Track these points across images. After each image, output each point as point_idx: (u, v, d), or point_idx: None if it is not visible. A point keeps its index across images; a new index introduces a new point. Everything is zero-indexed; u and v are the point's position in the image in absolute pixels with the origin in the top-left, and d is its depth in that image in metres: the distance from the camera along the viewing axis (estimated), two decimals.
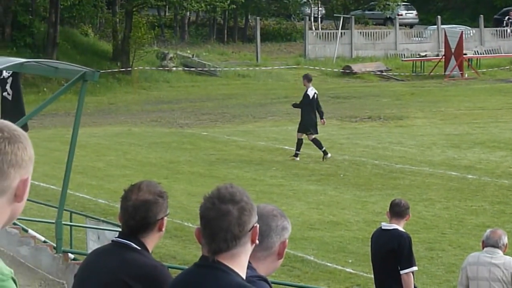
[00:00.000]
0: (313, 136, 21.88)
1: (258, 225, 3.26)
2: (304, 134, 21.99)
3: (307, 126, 21.80)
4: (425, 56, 44.28)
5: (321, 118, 21.98)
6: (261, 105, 33.43)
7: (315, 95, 21.94)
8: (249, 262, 3.30)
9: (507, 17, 50.23)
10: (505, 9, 53.57)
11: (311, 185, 19.54)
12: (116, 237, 4.49)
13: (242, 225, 3.19)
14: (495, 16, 53.15)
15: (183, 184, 19.54)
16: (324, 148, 21.90)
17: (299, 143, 22.05)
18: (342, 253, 14.61)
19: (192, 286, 3.27)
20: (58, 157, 21.15)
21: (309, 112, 21.77)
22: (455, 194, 18.46)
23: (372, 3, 53.36)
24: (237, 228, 3.18)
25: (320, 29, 50.03)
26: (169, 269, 5.10)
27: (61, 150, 21.17)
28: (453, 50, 41.19)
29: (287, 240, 3.66)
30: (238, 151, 23.88)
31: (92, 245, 12.29)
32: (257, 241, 3.26)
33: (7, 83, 13.51)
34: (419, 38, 48.17)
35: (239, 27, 52.81)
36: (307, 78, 22.38)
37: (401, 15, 54.39)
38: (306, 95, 21.93)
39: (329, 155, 21.95)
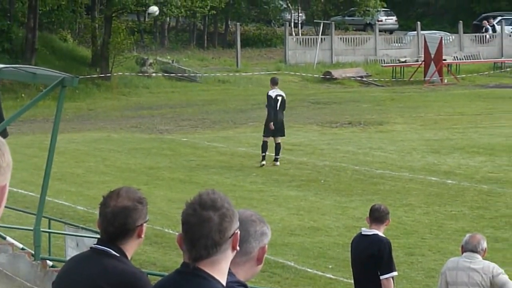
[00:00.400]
0: (265, 140, 21.98)
1: (239, 232, 3.23)
2: (277, 138, 22.05)
3: (266, 126, 21.91)
4: (405, 61, 44.41)
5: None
6: (241, 111, 33.40)
7: (278, 97, 21.98)
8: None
9: (484, 23, 50.34)
10: (484, 15, 53.83)
11: (291, 191, 19.53)
12: (95, 244, 4.45)
13: (223, 232, 3.16)
14: (474, 22, 53.40)
15: (163, 190, 19.47)
16: (265, 154, 21.94)
17: (277, 148, 22.14)
18: (323, 258, 14.60)
19: None
20: (36, 163, 21.03)
21: (269, 113, 21.92)
22: (435, 199, 18.51)
23: (352, 9, 53.49)
24: (218, 235, 3.15)
25: (300, 34, 50.08)
26: (149, 276, 5.06)
27: (40, 157, 21.05)
28: (432, 56, 41.33)
29: (266, 246, 3.63)
30: (218, 157, 23.84)
31: (71, 252, 12.21)
32: (237, 248, 3.23)
33: None
34: (399, 44, 48.31)
35: (219, 33, 52.77)
36: (272, 81, 22.73)
37: (381, 21, 54.55)
38: (268, 96, 22.16)
39: (264, 162, 21.93)
